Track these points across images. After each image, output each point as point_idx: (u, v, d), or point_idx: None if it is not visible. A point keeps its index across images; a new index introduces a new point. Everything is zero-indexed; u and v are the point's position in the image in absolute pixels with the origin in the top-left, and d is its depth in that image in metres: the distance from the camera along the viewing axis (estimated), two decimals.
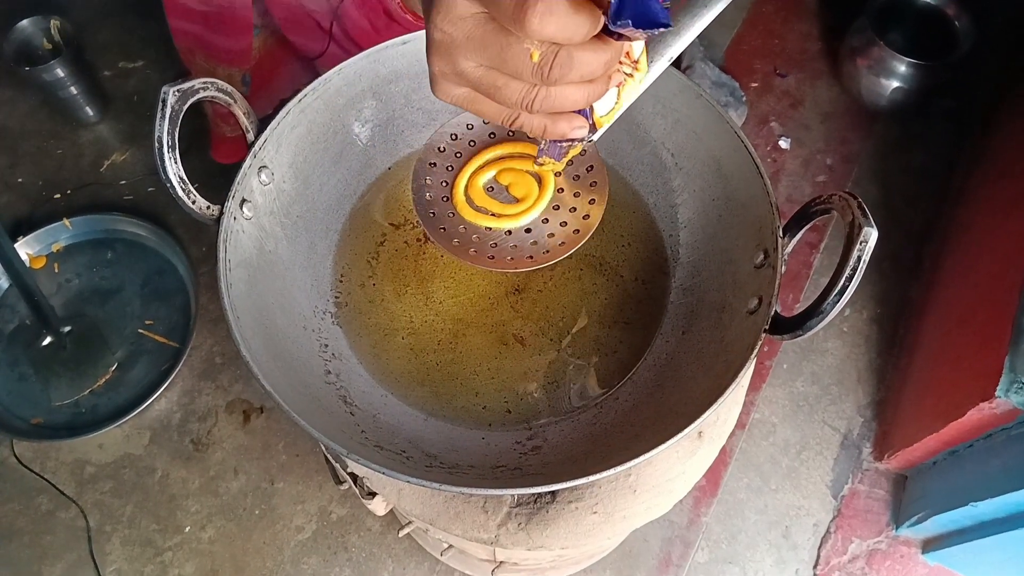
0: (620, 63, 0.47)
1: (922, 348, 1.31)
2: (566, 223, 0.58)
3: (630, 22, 0.36)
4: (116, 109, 1.62)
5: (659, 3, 0.37)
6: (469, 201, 0.60)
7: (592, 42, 0.39)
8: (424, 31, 0.42)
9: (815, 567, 1.23)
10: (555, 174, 0.59)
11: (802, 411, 1.35)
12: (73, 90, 1.50)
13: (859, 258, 0.53)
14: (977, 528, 1.07)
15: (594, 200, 0.59)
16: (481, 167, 0.60)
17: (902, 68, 1.50)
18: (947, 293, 1.31)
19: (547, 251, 0.57)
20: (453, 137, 0.61)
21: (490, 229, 0.58)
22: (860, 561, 1.23)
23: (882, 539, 1.24)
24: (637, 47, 0.47)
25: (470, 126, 0.62)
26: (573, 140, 0.50)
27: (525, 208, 0.59)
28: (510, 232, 0.58)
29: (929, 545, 1.21)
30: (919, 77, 1.50)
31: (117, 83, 1.65)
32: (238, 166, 0.65)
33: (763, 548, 1.25)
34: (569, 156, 0.55)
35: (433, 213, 0.59)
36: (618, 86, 0.48)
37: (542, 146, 0.53)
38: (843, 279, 0.53)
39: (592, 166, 0.59)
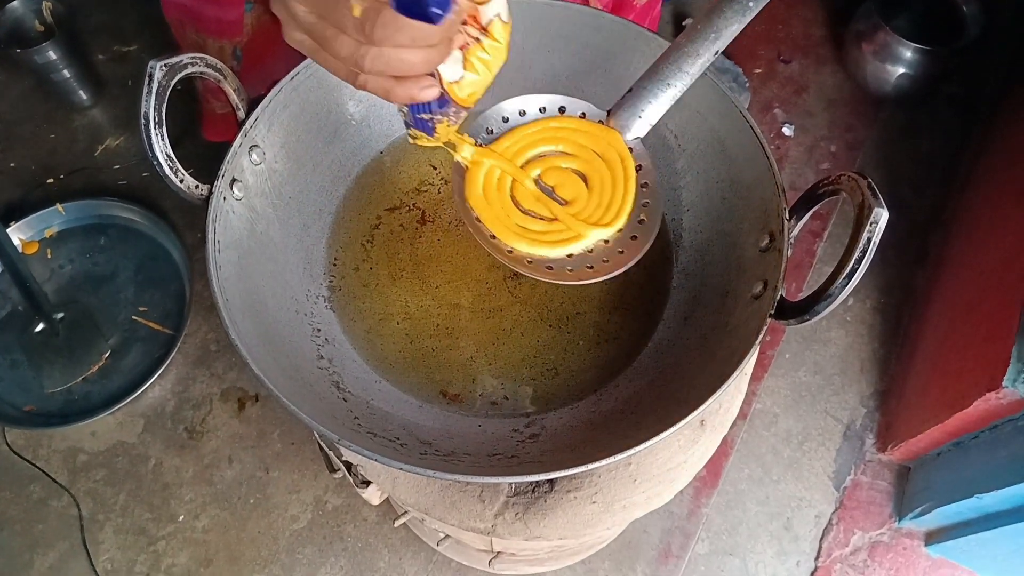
0: (465, 25, 0.45)
1: (926, 338, 1.29)
2: (608, 241, 0.56)
3: (394, 1, 0.36)
4: (110, 93, 1.60)
5: None
6: (516, 204, 0.57)
7: None
8: None
9: (817, 559, 1.22)
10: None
11: (804, 401, 1.33)
12: (66, 73, 1.48)
13: (869, 240, 0.51)
14: (982, 520, 1.06)
15: (643, 220, 0.56)
16: (525, 165, 0.57)
17: (908, 54, 1.48)
18: (953, 282, 1.29)
19: (606, 260, 0.55)
20: (489, 131, 0.58)
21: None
22: (862, 553, 1.22)
23: (885, 531, 1.23)
24: (487, 11, 0.45)
25: (505, 119, 0.59)
26: (440, 114, 0.48)
27: (570, 229, 0.56)
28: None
29: (932, 537, 1.19)
30: (926, 63, 1.48)
31: (111, 67, 1.63)
32: (231, 147, 0.63)
33: (764, 539, 1.23)
34: (444, 134, 0.51)
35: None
36: (463, 50, 0.45)
37: (405, 118, 0.51)
38: (852, 261, 0.51)
39: (647, 183, 0.57)
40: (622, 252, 0.55)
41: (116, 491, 1.24)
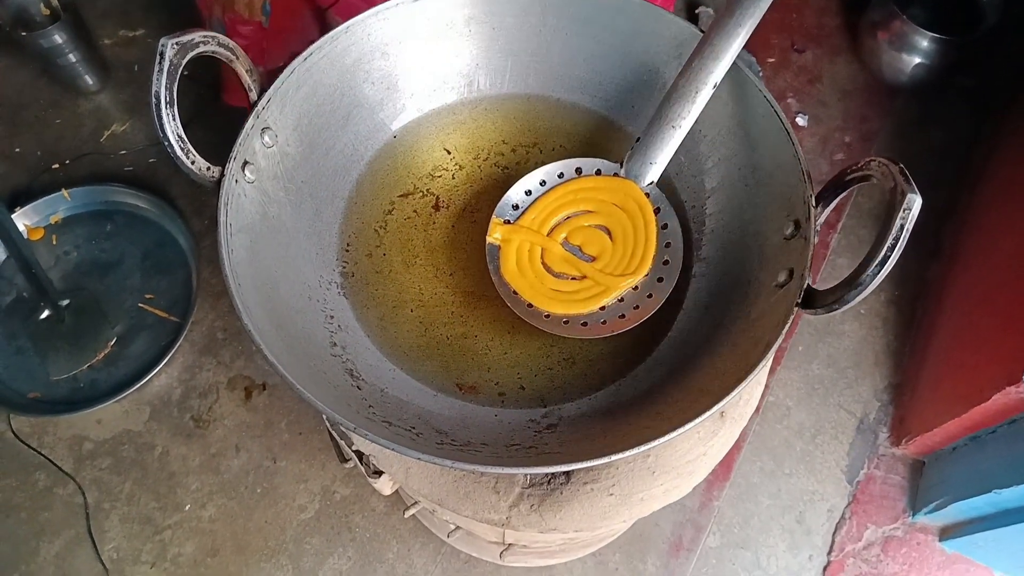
0: None
1: (941, 330, 1.27)
2: (637, 287, 0.61)
3: None
4: (117, 78, 1.58)
5: None
6: (548, 269, 0.62)
7: None
8: None
9: (829, 553, 1.21)
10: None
11: (817, 394, 1.32)
12: (72, 58, 1.46)
13: (902, 227, 0.50)
14: (999, 516, 1.04)
15: (667, 261, 0.61)
16: (552, 231, 0.62)
17: (924, 43, 1.46)
18: (968, 274, 1.28)
19: (636, 306, 0.60)
20: (515, 207, 0.63)
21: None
22: (875, 547, 1.20)
23: (898, 526, 1.22)
24: None
25: (528, 191, 0.63)
26: None
27: (597, 284, 0.61)
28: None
29: (947, 532, 1.18)
30: (942, 53, 1.46)
31: (118, 52, 1.61)
32: (242, 129, 0.62)
33: (776, 533, 1.22)
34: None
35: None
36: None
37: None
38: (884, 248, 0.50)
39: (667, 224, 0.61)
40: (650, 296, 0.60)
41: (122, 479, 1.23)
